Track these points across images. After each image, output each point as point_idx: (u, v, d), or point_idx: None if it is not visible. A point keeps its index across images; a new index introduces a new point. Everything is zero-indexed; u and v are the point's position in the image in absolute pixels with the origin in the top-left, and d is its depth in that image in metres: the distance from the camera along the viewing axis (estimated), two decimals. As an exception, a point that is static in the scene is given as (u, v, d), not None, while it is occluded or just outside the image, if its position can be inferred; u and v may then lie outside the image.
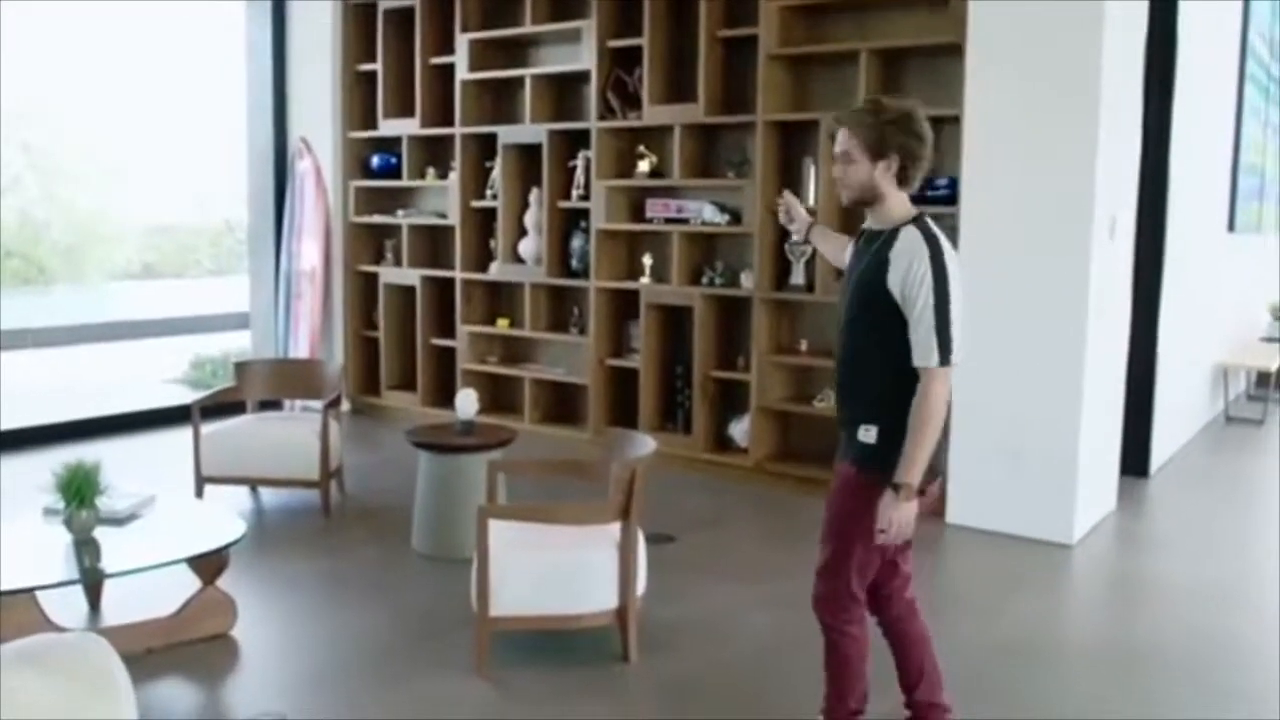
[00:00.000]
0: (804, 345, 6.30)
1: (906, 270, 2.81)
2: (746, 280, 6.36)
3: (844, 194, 3.03)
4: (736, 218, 6.45)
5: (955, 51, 5.50)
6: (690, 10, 6.39)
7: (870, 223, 3.04)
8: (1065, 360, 5.25)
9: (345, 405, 7.94)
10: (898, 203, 2.96)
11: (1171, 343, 6.74)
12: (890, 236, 2.90)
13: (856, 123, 2.95)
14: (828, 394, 6.17)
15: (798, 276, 6.21)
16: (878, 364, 2.94)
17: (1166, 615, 4.54)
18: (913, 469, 2.83)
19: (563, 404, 7.34)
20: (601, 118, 6.78)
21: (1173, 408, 7.01)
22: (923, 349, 2.81)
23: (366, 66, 7.88)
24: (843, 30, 6.12)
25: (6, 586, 3.65)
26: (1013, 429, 5.37)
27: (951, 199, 5.61)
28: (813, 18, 6.18)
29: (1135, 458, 6.47)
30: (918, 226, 2.90)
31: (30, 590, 3.66)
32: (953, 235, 5.53)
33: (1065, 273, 5.21)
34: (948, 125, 5.68)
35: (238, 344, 10.31)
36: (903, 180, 2.95)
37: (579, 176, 6.96)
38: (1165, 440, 6.94)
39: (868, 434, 2.94)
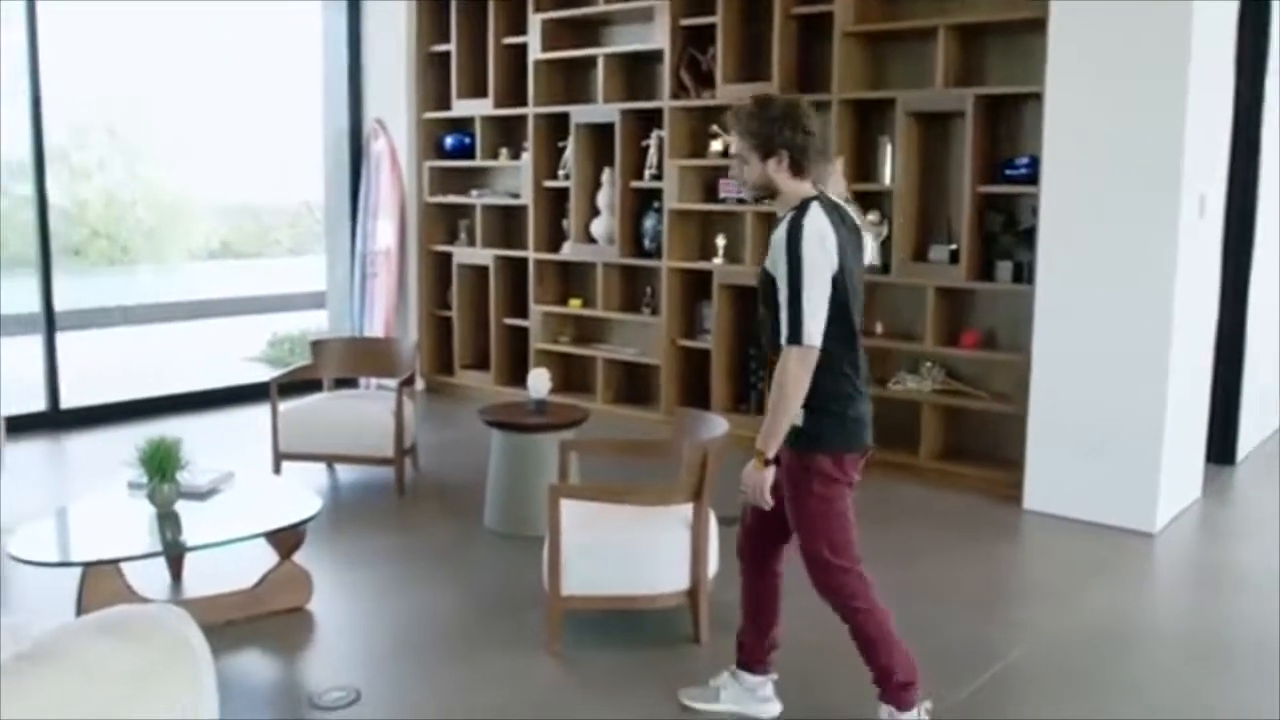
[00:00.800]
0: (879, 327, 6.22)
1: (775, 254, 2.96)
2: (822, 261, 6.28)
3: (745, 191, 3.18)
4: (811, 197, 6.36)
5: (1037, 27, 5.36)
6: (765, -13, 6.32)
7: (777, 214, 3.10)
8: (1150, 343, 5.10)
9: (419, 384, 8.03)
10: (793, 192, 3.02)
11: (1261, 325, 6.54)
12: (776, 225, 3.01)
13: (744, 125, 3.04)
14: (903, 376, 6.09)
15: (874, 258, 6.11)
16: None
17: (1253, 606, 4.41)
18: (768, 440, 3.01)
19: (634, 384, 7.34)
20: (674, 97, 6.73)
21: (1261, 393, 6.80)
22: (782, 327, 2.92)
23: (440, 47, 7.91)
24: (920, 6, 6.01)
25: (92, 557, 3.75)
26: (1095, 414, 5.25)
27: (1032, 178, 5.49)
28: (890, -7, 6.08)
29: (1221, 445, 6.29)
30: (797, 210, 2.95)
31: (115, 562, 3.74)
32: (1033, 215, 5.43)
33: (1151, 253, 5.06)
34: (1029, 103, 5.57)
35: (314, 323, 10.45)
36: (797, 172, 3.01)
37: (651, 156, 6.93)
38: (1253, 427, 6.74)
39: (798, 417, 3.04)
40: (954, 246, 5.82)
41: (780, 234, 2.94)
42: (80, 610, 3.75)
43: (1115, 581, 4.64)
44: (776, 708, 3.45)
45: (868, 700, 3.28)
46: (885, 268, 6.04)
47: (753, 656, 3.45)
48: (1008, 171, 5.66)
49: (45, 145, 6.97)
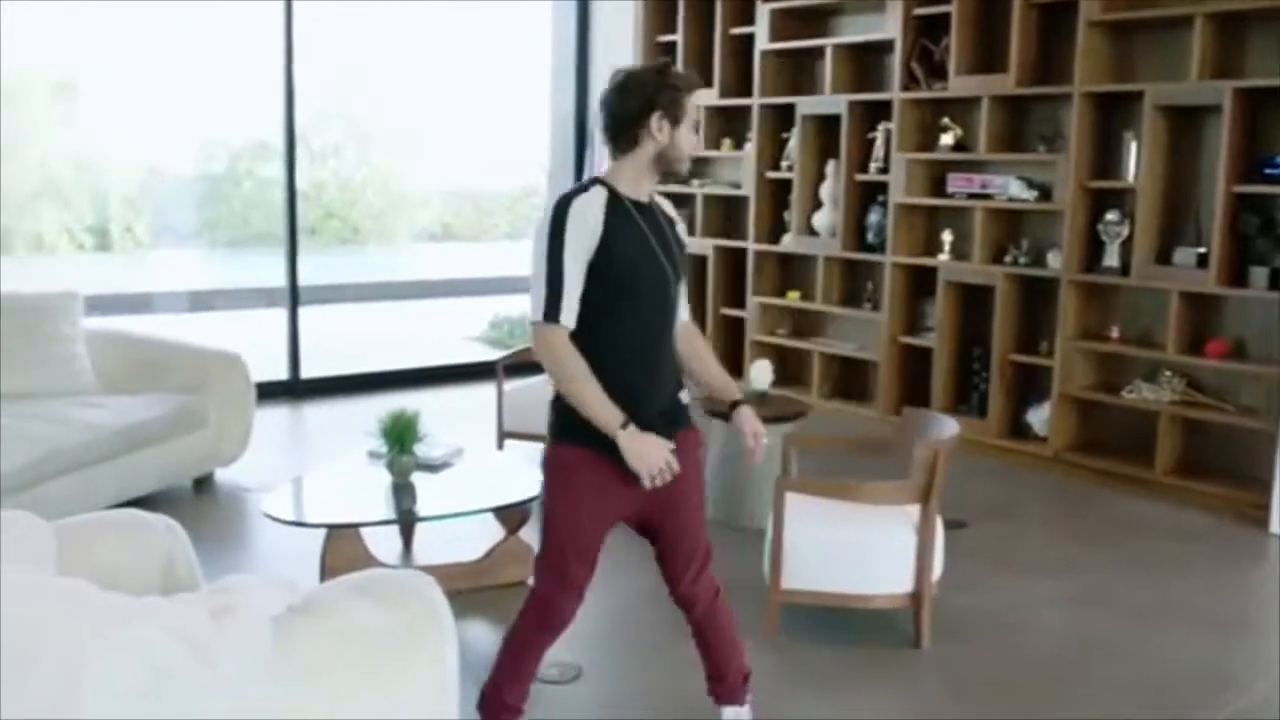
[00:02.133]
0: (1115, 332, 5.93)
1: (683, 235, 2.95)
2: (1054, 260, 6.05)
3: (687, 167, 2.87)
4: (1045, 194, 6.13)
5: (1309, 15, 5.00)
6: (1005, -25, 6.11)
7: (635, 193, 2.81)
8: None
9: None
10: None
11: None
12: (660, 207, 2.91)
13: None
14: (1139, 385, 5.80)
15: (1111, 258, 5.84)
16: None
17: None
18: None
19: (851, 380, 7.24)
20: (904, 88, 6.59)
21: None
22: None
23: (666, 37, 7.97)
24: (1176, -7, 5.68)
25: (336, 520, 3.95)
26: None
27: (1295, 178, 5.13)
28: (1142, -19, 5.77)
29: None
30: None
31: (357, 526, 3.94)
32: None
33: None
34: (1296, 96, 5.20)
35: (528, 306, 10.72)
36: None
37: (878, 149, 6.80)
38: None
39: (685, 395, 2.98)
40: (1202, 249, 5.49)
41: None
42: (324, 570, 3.97)
43: (1376, 615, 4.30)
44: None
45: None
46: (1124, 269, 5.76)
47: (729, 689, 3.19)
48: (1267, 170, 5.29)
49: (296, 131, 7.37)
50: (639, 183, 2.81)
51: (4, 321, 5.17)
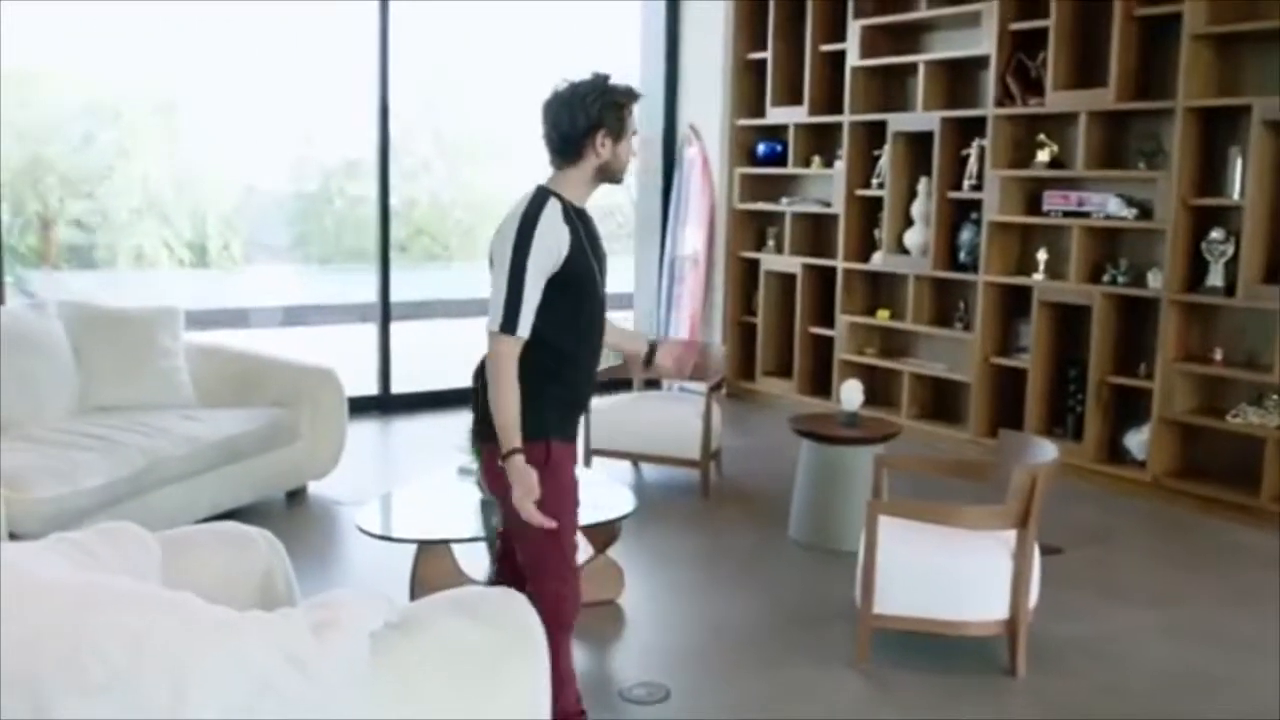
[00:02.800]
0: (1219, 354, 5.75)
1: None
2: (1154, 280, 5.89)
3: (625, 178, 2.96)
4: (1145, 212, 5.98)
5: None
6: (1105, -11, 5.98)
7: (579, 201, 2.93)
8: None
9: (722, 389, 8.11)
10: None
11: None
12: (589, 219, 2.97)
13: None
14: (1244, 409, 5.61)
15: (1215, 278, 5.67)
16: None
17: None
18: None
19: (941, 401, 7.12)
20: (999, 104, 6.48)
21: None
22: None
23: (756, 55, 7.96)
24: (1285, 6, 5.51)
25: (427, 536, 3.99)
26: None
27: None
28: (1249, -8, 5.61)
29: None
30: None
31: (448, 542, 3.97)
32: None
33: None
34: None
35: (623, 324, 10.75)
36: None
37: (971, 166, 6.70)
38: None
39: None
40: (1313, 269, 5.31)
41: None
42: (414, 586, 4.00)
43: None
44: None
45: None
46: (1229, 289, 5.59)
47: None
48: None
49: (390, 150, 7.48)
50: (581, 193, 2.93)
51: (110, 335, 5.32)
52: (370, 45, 7.32)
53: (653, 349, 3.30)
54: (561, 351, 2.89)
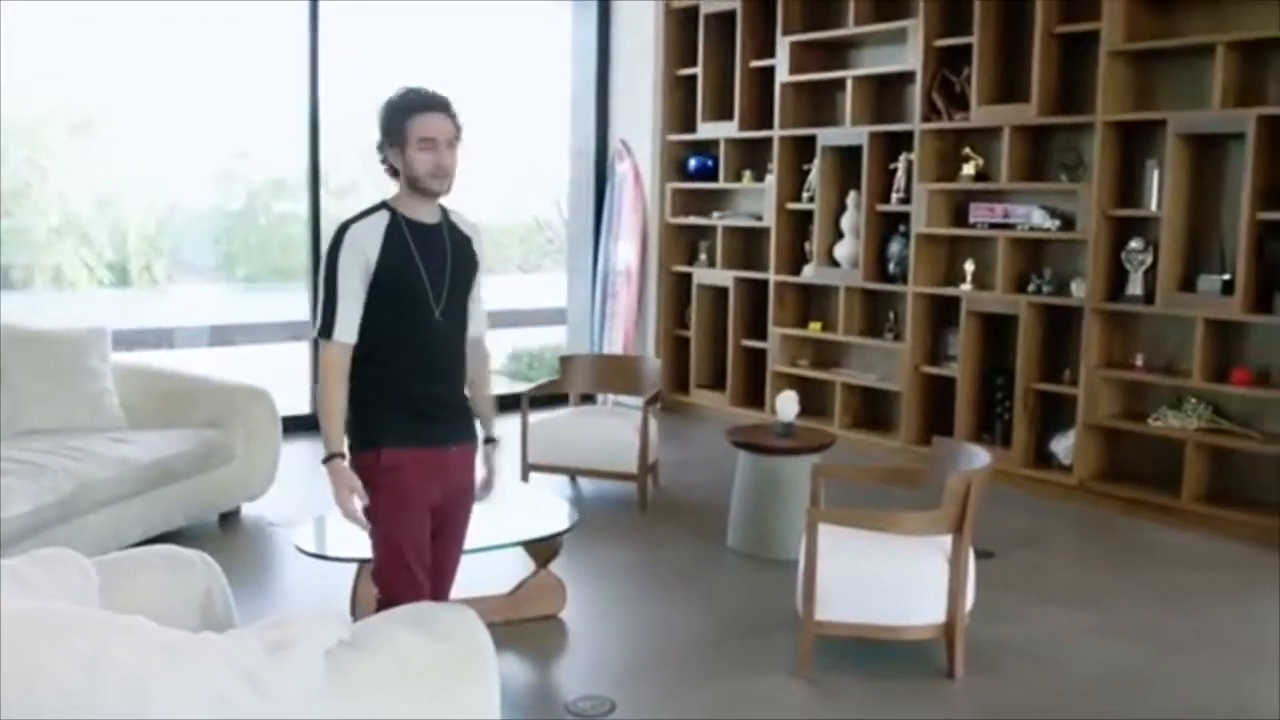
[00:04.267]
0: (1139, 360, 5.92)
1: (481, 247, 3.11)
2: (1077, 289, 6.05)
3: (446, 184, 2.95)
4: (1068, 223, 6.14)
5: (1331, 43, 5.02)
6: (1024, 6, 6.13)
7: (416, 214, 2.96)
8: None
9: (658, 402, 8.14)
10: None
11: None
12: (456, 226, 3.03)
13: (454, 110, 2.96)
14: (1164, 412, 5.78)
15: (1135, 287, 5.84)
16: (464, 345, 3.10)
17: None
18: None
19: (873, 410, 7.23)
20: (925, 119, 6.62)
21: None
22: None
23: (686, 71, 8.03)
24: (1196, 22, 5.70)
25: (366, 556, 3.94)
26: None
27: (1320, 205, 5.13)
28: (1161, 9, 5.79)
29: None
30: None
31: (389, 561, 3.93)
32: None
33: None
34: (1319, 124, 5.21)
35: (549, 339, 10.75)
36: None
37: (899, 179, 6.83)
38: None
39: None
40: (1227, 276, 5.49)
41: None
42: (354, 605, 3.97)
43: None
44: None
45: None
46: (1149, 297, 5.76)
47: None
48: (1290, 197, 5.30)
49: (319, 167, 7.42)
50: (413, 205, 2.95)
51: (35, 357, 5.21)
52: (298, 61, 7.26)
53: (486, 442, 3.26)
54: (388, 361, 2.94)
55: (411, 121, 2.89)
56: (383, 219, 2.92)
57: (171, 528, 5.03)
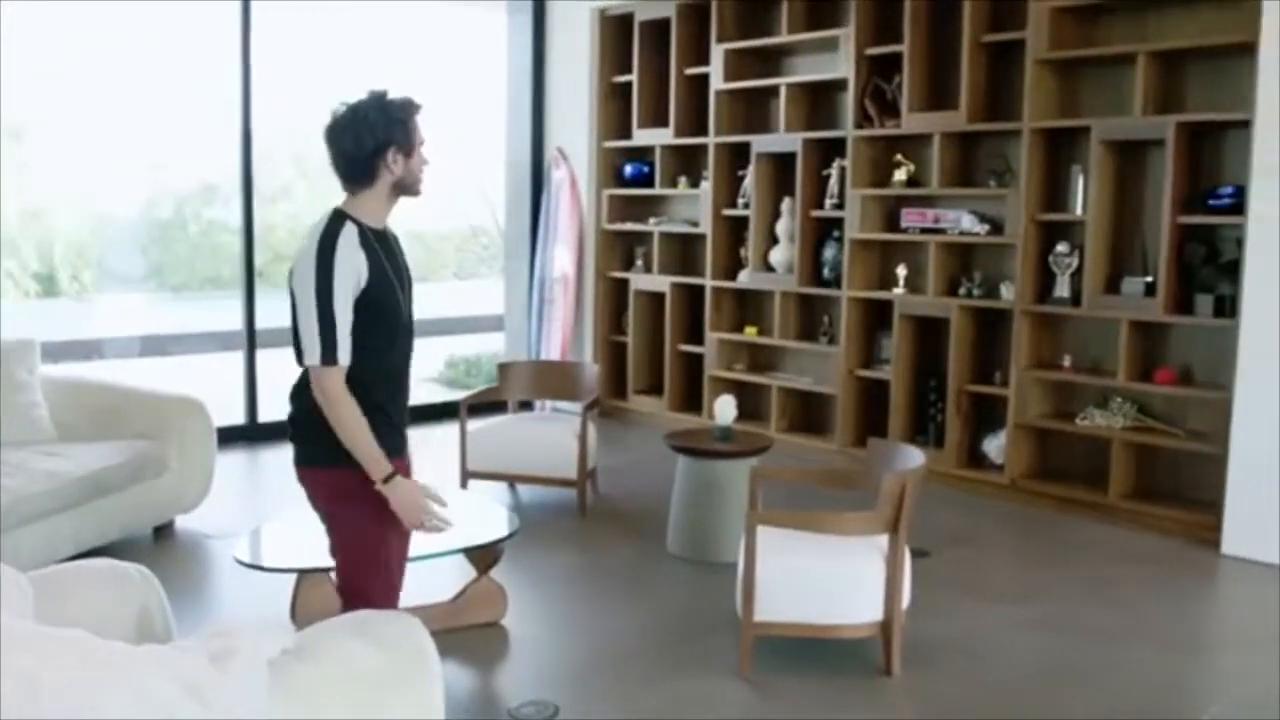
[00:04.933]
0: (1067, 361, 6.06)
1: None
2: (1006, 292, 6.18)
3: (422, 188, 2.94)
4: (997, 228, 6.27)
5: (1245, 51, 5.18)
6: (953, 15, 6.25)
7: (375, 223, 2.90)
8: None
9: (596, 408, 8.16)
10: None
11: None
12: (391, 231, 2.98)
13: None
14: (1091, 412, 5.92)
15: (1062, 289, 5.98)
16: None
17: None
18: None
19: (810, 413, 7.32)
20: (858, 126, 6.72)
21: None
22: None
23: (622, 78, 8.07)
24: (1118, 31, 5.86)
25: (308, 565, 3.93)
26: (1303, 455, 5.01)
27: (1237, 209, 5.29)
28: (1085, 19, 5.94)
29: None
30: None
31: (329, 570, 3.91)
32: (1237, 247, 5.24)
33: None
34: (1234, 131, 5.38)
35: (487, 346, 10.74)
36: None
37: (833, 185, 6.92)
38: None
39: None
40: (1149, 279, 5.64)
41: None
42: (295, 615, 3.95)
43: (1330, 633, 4.41)
44: None
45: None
46: (1075, 299, 5.90)
47: None
48: (1210, 202, 5.46)
49: (253, 174, 7.33)
50: (379, 213, 2.90)
51: (-40, 370, 5.10)
52: (229, 67, 7.17)
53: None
54: (372, 374, 2.86)
55: (416, 125, 2.87)
56: (353, 232, 2.81)
57: (105, 541, 4.95)
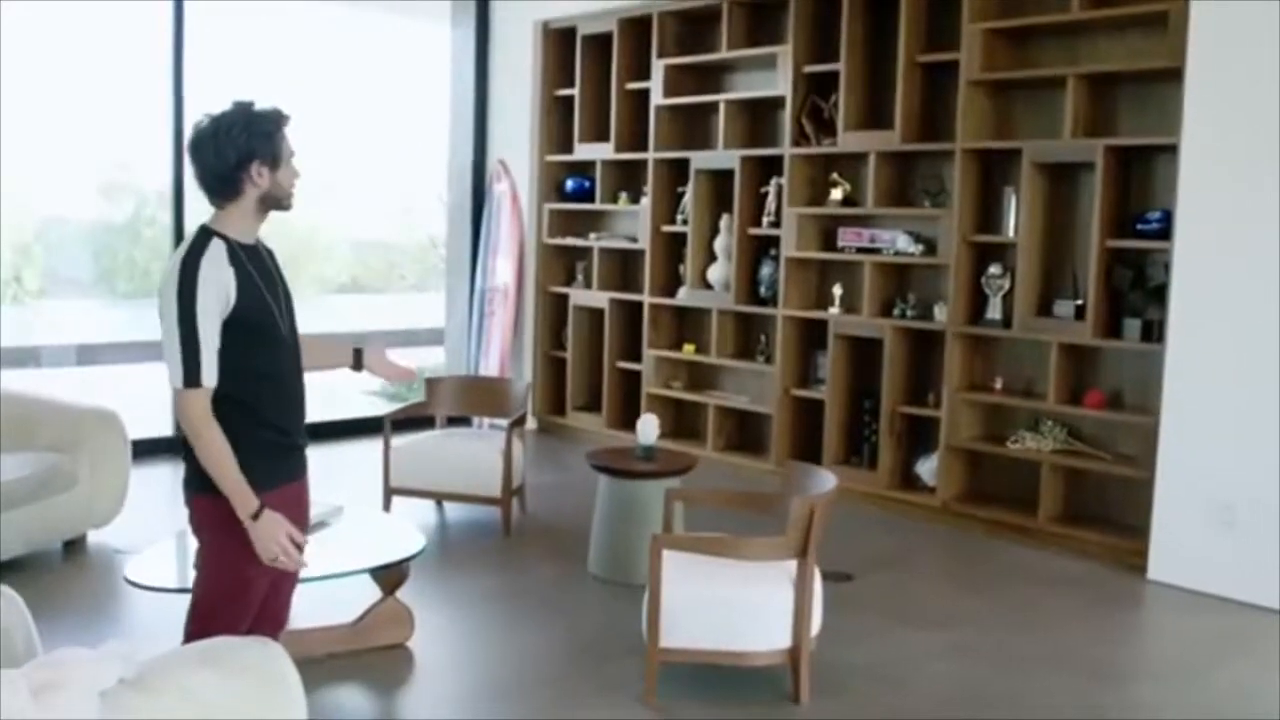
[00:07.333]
0: (999, 383, 6.04)
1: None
2: (940, 313, 6.16)
3: (293, 202, 2.84)
4: (931, 248, 6.25)
5: (1173, 76, 5.19)
6: (889, 35, 6.24)
7: (244, 237, 2.78)
8: (1288, 410, 4.85)
9: (531, 424, 8.08)
10: None
11: None
12: (263, 243, 2.87)
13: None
14: (1022, 435, 5.90)
15: (994, 311, 5.96)
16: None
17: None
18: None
19: (746, 432, 7.26)
20: (795, 144, 6.69)
21: None
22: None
23: (564, 91, 8.02)
24: (1049, 55, 5.86)
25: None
26: (1228, 481, 5.00)
27: (1164, 233, 5.29)
28: (1017, 41, 5.95)
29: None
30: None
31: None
32: (1165, 272, 5.24)
33: (1291, 315, 4.82)
34: (1162, 155, 5.38)
35: (434, 359, 10.63)
36: None
37: (770, 203, 6.89)
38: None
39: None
40: (1079, 302, 5.64)
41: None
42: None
43: (1247, 662, 4.38)
44: None
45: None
46: (1007, 322, 5.88)
47: None
48: (1138, 226, 5.46)
49: (184, 180, 7.21)
50: (248, 228, 2.79)
51: None
52: (163, 75, 7.06)
53: (358, 355, 3.19)
54: (250, 398, 2.75)
55: (284, 137, 2.77)
56: (220, 249, 2.70)
57: (11, 556, 4.79)
